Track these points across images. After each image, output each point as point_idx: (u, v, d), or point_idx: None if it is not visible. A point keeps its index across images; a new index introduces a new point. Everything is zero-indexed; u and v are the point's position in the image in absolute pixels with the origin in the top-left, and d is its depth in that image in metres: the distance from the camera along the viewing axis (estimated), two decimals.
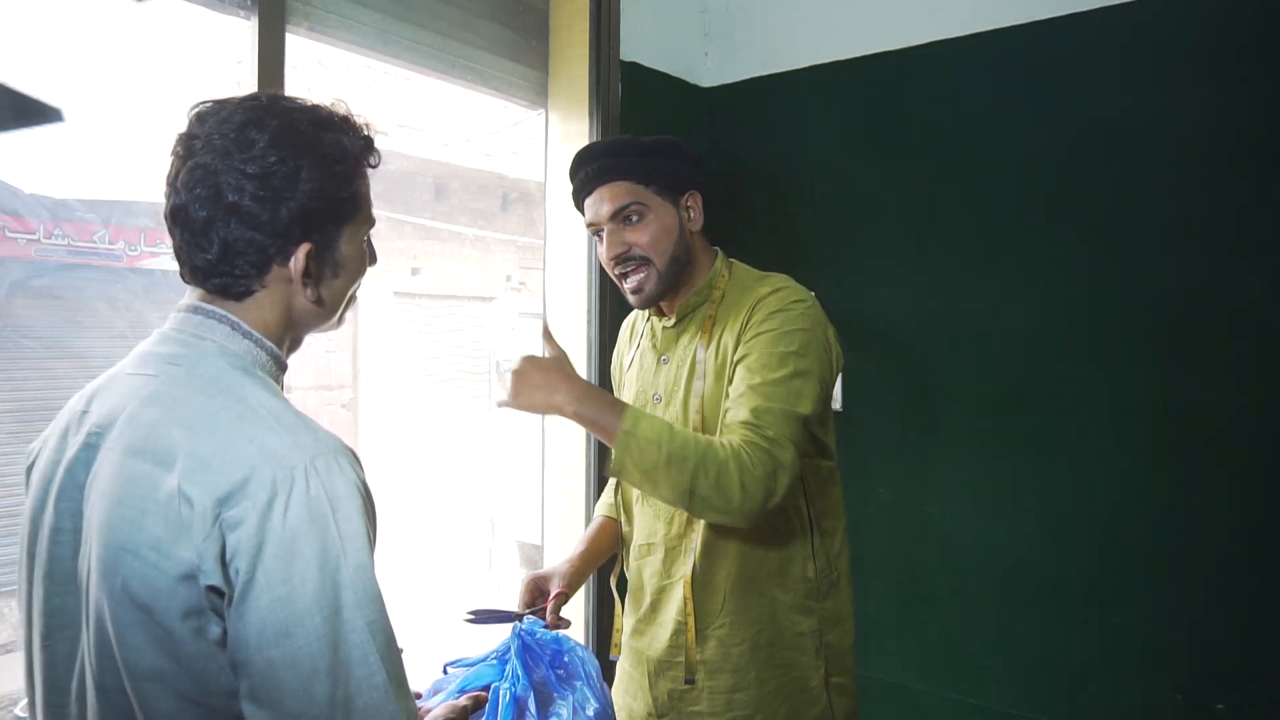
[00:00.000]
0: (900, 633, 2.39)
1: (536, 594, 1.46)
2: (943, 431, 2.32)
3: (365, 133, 0.97)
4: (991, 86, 2.23)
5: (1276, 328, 1.90)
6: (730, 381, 1.37)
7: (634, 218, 1.42)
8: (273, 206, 0.87)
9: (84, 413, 0.88)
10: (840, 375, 2.43)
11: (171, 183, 0.89)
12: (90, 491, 0.83)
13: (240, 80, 1.71)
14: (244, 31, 1.68)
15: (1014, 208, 2.21)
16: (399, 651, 0.83)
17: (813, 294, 1.50)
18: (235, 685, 0.78)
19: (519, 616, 1.36)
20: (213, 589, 0.76)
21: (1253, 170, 1.93)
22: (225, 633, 0.78)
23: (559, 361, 1.29)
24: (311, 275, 0.91)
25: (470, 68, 2.23)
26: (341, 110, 0.95)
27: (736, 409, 1.30)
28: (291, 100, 0.93)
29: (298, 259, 0.89)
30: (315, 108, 0.93)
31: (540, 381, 1.26)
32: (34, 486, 0.90)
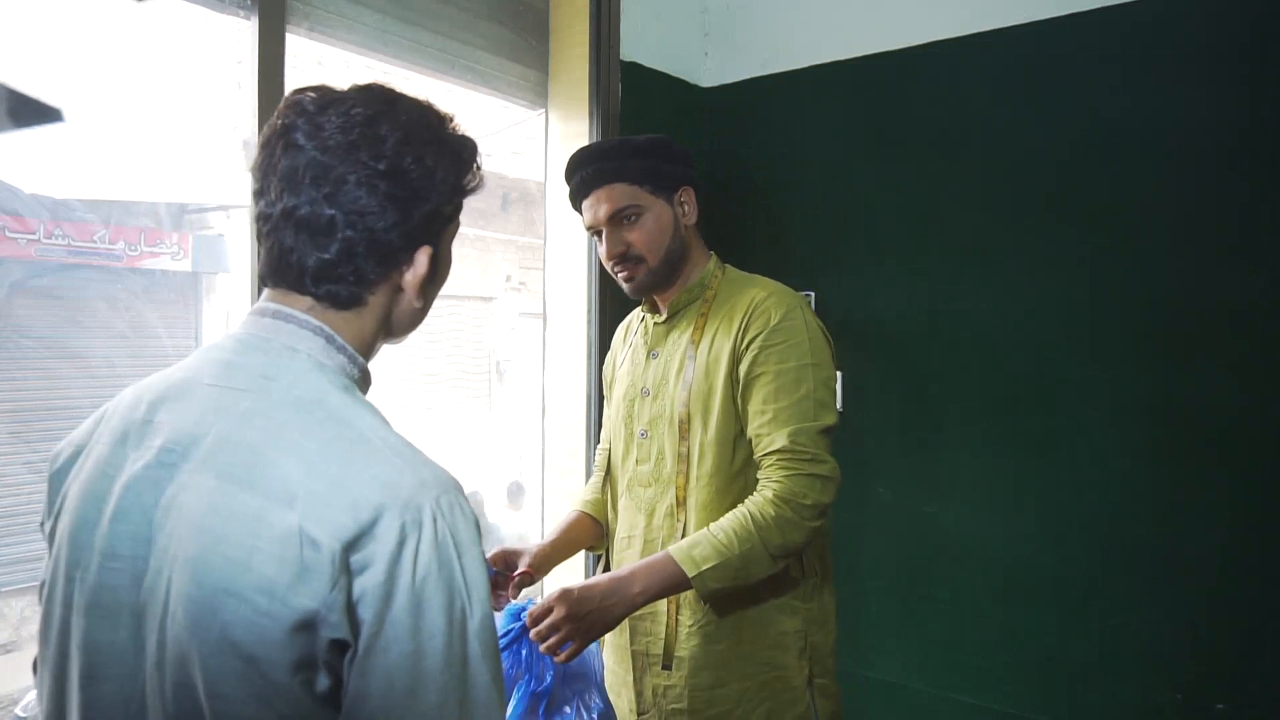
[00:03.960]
0: (900, 633, 2.39)
1: (502, 565, 1.46)
2: (943, 431, 2.32)
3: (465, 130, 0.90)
4: (991, 86, 2.23)
5: (1276, 328, 1.90)
6: (740, 393, 1.41)
7: (631, 218, 1.46)
8: (406, 208, 0.81)
9: (148, 422, 0.78)
10: (840, 375, 2.44)
11: (278, 177, 0.80)
12: (167, 518, 0.73)
13: (240, 80, 1.71)
14: (244, 31, 1.68)
15: (1014, 208, 2.21)
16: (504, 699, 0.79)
17: (802, 295, 1.53)
18: None
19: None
20: (335, 641, 0.69)
21: (1253, 170, 1.93)
22: (334, 685, 0.71)
23: (582, 587, 1.27)
24: (425, 279, 0.86)
25: (470, 68, 2.22)
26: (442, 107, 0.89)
27: (770, 437, 1.36)
28: (405, 93, 0.87)
29: (419, 263, 0.83)
30: (428, 102, 0.88)
31: (598, 605, 1.25)
32: (76, 501, 0.79)
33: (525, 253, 6.92)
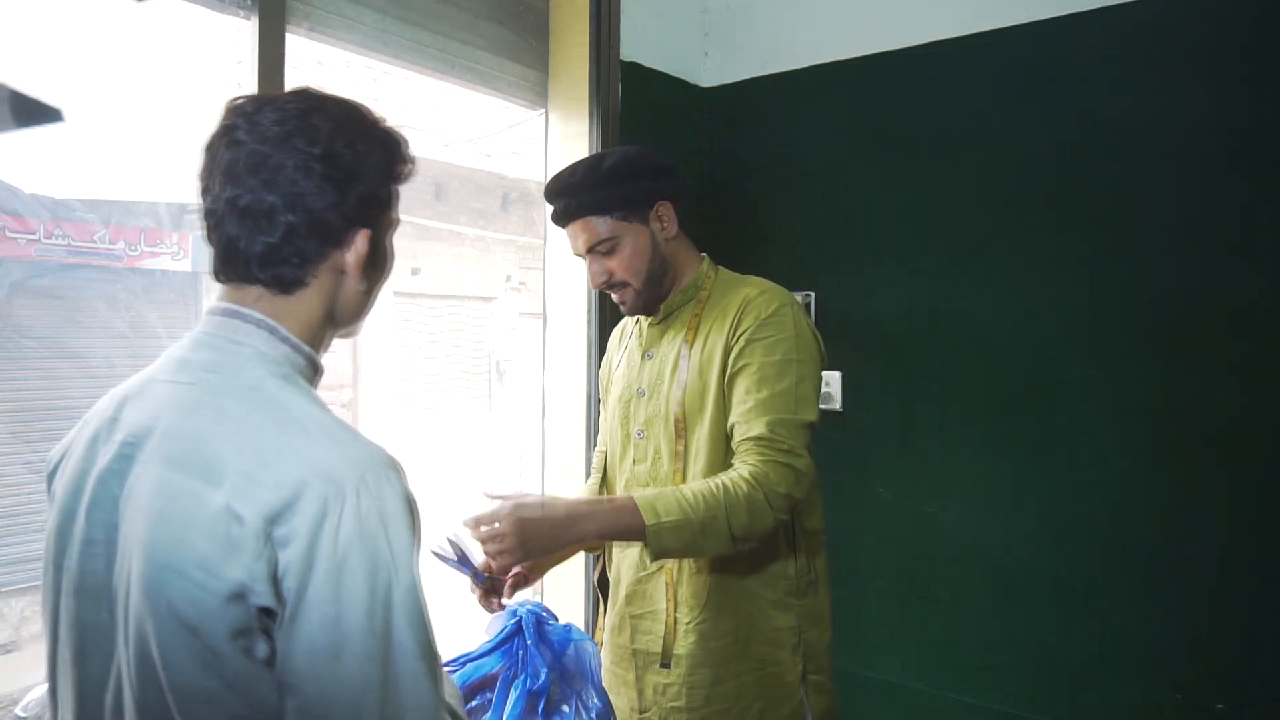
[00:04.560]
0: (900, 633, 2.39)
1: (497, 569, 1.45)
2: (943, 431, 2.32)
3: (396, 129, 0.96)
4: (991, 86, 2.23)
5: (1276, 328, 1.90)
6: (726, 383, 1.43)
7: (608, 249, 1.49)
8: (342, 188, 0.86)
9: (114, 420, 0.85)
10: (840, 375, 2.44)
11: (220, 172, 0.85)
12: (127, 505, 0.80)
13: (240, 80, 1.71)
14: (244, 31, 1.68)
15: (1014, 208, 2.21)
16: (443, 671, 0.81)
17: (799, 295, 1.55)
18: (282, 705, 0.76)
19: (476, 574, 1.35)
20: (264, 609, 0.74)
21: (1253, 170, 1.93)
22: (273, 652, 0.76)
23: (539, 506, 1.26)
24: (365, 262, 0.90)
25: (470, 68, 2.23)
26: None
27: (749, 424, 1.36)
28: (337, 95, 0.92)
29: (358, 244, 0.88)
30: (360, 103, 0.93)
31: (547, 532, 1.24)
32: (60, 495, 0.86)
33: (525, 253, 6.92)
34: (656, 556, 1.30)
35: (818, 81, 2.53)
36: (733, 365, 1.42)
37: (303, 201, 0.84)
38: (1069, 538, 2.13)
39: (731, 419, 1.41)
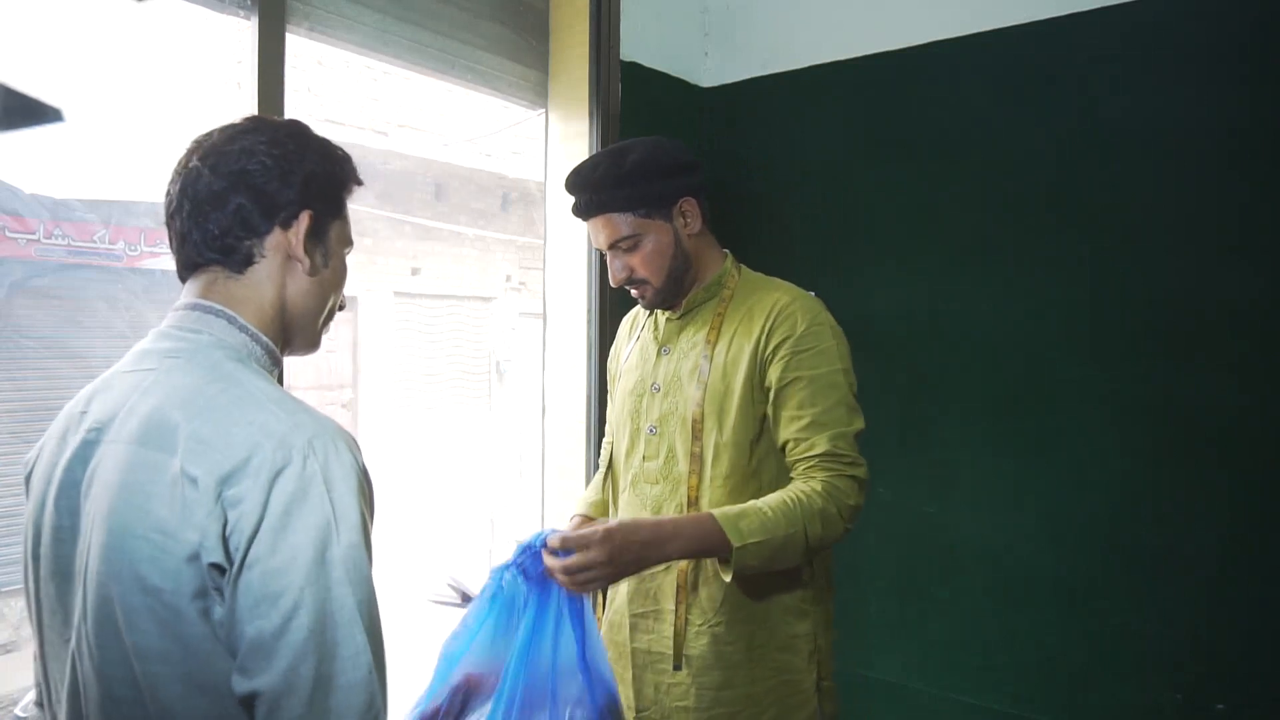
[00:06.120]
0: (900, 633, 2.38)
1: None
2: (942, 431, 2.32)
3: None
4: (991, 86, 2.23)
5: (1276, 328, 1.90)
6: (773, 399, 1.42)
7: (629, 246, 1.47)
8: (283, 170, 0.92)
9: (82, 413, 0.89)
10: None
11: (179, 174, 0.92)
12: (90, 485, 0.84)
13: (240, 80, 1.71)
14: (244, 31, 1.68)
15: (1014, 208, 2.21)
16: (383, 637, 0.84)
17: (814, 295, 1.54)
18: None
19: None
20: (215, 566, 0.77)
21: (1253, 170, 1.93)
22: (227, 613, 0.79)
23: (625, 530, 1.22)
24: (310, 246, 0.95)
25: (470, 68, 2.23)
26: None
27: (811, 442, 1.38)
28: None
29: (300, 221, 0.93)
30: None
31: (636, 554, 1.22)
32: (33, 491, 0.91)
33: (525, 253, 6.92)
34: (737, 574, 1.29)
35: (818, 81, 2.52)
36: (778, 381, 1.40)
37: (248, 178, 0.90)
38: (1069, 538, 2.13)
39: (785, 434, 1.40)
